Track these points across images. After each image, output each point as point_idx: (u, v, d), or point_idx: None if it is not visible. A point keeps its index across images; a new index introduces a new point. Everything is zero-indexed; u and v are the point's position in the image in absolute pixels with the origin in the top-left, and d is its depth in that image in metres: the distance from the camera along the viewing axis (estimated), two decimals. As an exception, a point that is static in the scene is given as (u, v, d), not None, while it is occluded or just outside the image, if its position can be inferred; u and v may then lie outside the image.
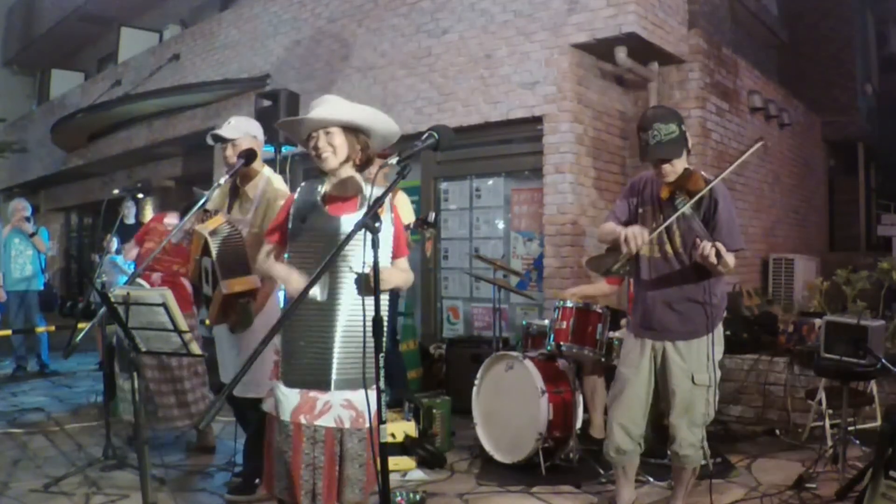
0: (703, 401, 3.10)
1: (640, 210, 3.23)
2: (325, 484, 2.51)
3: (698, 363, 3.10)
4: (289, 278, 2.51)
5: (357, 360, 2.47)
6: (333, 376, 2.49)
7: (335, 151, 2.56)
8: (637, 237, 2.95)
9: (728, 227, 3.04)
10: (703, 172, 3.11)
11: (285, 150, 6.18)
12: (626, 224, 3.27)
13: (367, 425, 2.49)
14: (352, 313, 2.50)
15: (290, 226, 2.57)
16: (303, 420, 2.50)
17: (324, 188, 2.61)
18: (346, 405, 2.52)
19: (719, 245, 2.80)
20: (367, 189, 2.61)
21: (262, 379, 3.01)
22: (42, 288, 7.81)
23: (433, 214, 4.20)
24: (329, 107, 2.59)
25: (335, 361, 2.50)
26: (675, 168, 3.06)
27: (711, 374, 3.10)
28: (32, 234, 7.59)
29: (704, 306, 3.08)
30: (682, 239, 3.10)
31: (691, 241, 3.06)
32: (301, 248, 2.56)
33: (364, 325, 2.24)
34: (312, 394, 2.50)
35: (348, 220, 2.51)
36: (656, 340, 3.18)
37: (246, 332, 3.40)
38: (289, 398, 2.51)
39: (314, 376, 2.50)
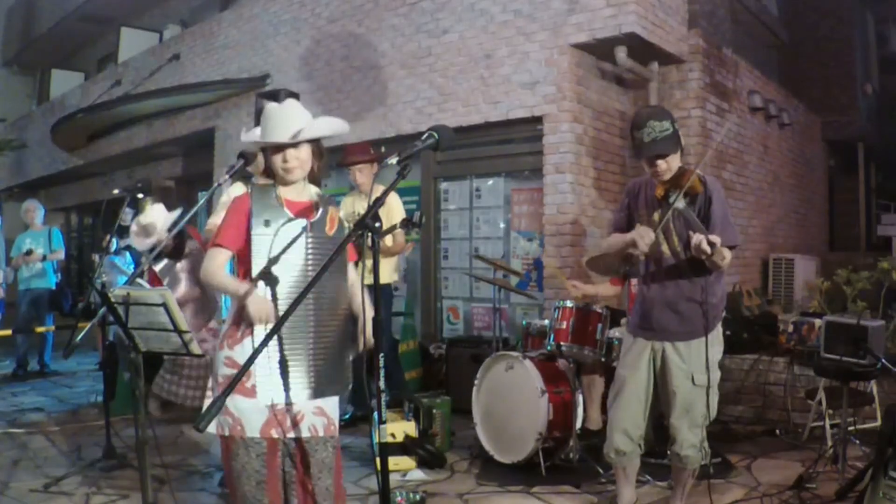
0: (703, 401, 3.09)
1: (637, 214, 3.23)
2: (300, 498, 2.48)
3: (698, 364, 3.09)
4: (238, 291, 2.42)
5: (331, 366, 2.52)
6: (313, 384, 2.48)
7: (302, 165, 2.52)
8: (644, 236, 2.98)
9: (722, 223, 3.03)
10: (698, 170, 3.11)
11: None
12: (624, 232, 3.29)
13: (337, 433, 2.52)
14: (324, 319, 2.52)
15: (254, 229, 2.46)
16: (274, 434, 2.42)
17: (278, 192, 2.53)
18: (317, 412, 2.49)
19: (713, 237, 2.78)
20: (319, 195, 2.61)
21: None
22: (53, 287, 7.84)
23: (418, 214, 4.14)
24: (302, 120, 2.51)
25: (313, 369, 2.49)
26: (671, 166, 3.06)
27: (711, 374, 3.10)
28: (44, 258, 7.64)
29: (703, 306, 3.07)
30: (679, 238, 3.10)
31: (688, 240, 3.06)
32: (266, 253, 2.45)
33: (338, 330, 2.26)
34: (281, 406, 2.43)
35: (312, 225, 2.52)
36: (655, 341, 3.17)
37: None
38: (255, 414, 2.41)
39: (294, 388, 2.44)
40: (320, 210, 2.58)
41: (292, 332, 2.46)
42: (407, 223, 4.23)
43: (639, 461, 3.35)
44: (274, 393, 2.41)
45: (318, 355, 2.50)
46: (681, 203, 2.96)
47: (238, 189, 3.55)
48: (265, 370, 2.41)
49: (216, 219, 3.53)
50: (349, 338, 2.62)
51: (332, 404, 2.55)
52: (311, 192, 2.61)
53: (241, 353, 2.41)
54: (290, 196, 2.55)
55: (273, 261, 2.22)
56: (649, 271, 3.19)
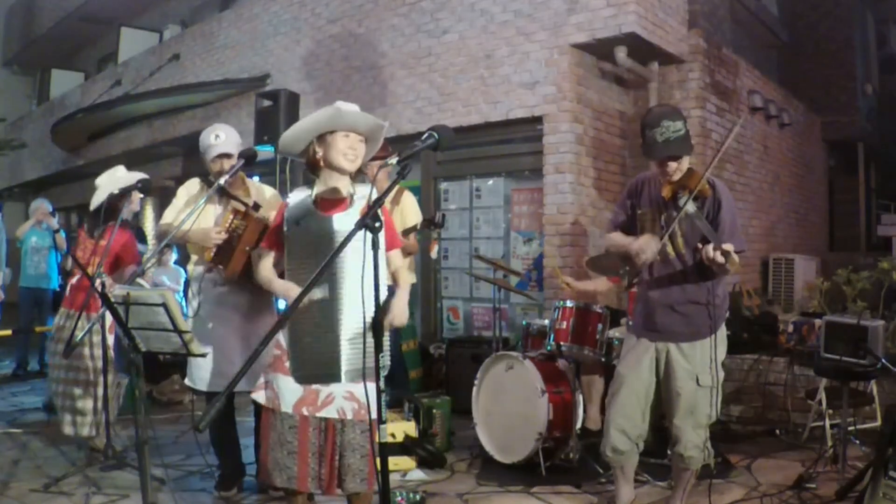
0: (707, 401, 3.09)
1: (640, 211, 3.21)
2: (326, 472, 2.67)
3: (702, 364, 3.08)
4: (288, 293, 2.69)
5: (362, 352, 2.59)
6: (343, 368, 2.65)
7: (357, 157, 2.75)
8: (650, 245, 3.01)
9: (731, 229, 3.03)
10: (707, 173, 3.09)
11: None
12: (626, 229, 3.27)
13: (369, 418, 2.62)
14: (353, 308, 2.63)
15: (285, 229, 2.72)
16: (305, 411, 2.65)
17: (315, 192, 2.77)
18: (348, 397, 2.66)
19: (727, 246, 2.76)
20: (355, 189, 2.78)
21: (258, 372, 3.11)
22: (57, 288, 7.84)
23: (441, 215, 4.18)
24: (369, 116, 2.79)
25: (343, 355, 2.65)
26: (681, 166, 3.05)
27: (715, 375, 3.10)
28: (57, 231, 7.66)
29: (707, 307, 3.07)
30: (684, 240, 3.09)
31: (694, 242, 3.04)
32: (297, 249, 2.72)
33: (364, 320, 2.35)
34: (315, 386, 2.66)
35: (339, 219, 2.70)
36: (659, 342, 3.16)
37: (250, 331, 3.45)
38: (292, 391, 2.66)
39: (323, 370, 2.65)
40: (354, 204, 2.74)
41: (322, 319, 2.64)
42: (429, 223, 4.24)
43: (637, 460, 3.35)
44: (305, 374, 2.66)
45: (348, 342, 2.65)
46: (691, 207, 2.95)
47: (193, 185, 3.63)
48: (295, 354, 2.67)
49: (170, 213, 3.60)
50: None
51: (362, 390, 2.57)
52: (345, 188, 2.77)
53: (282, 335, 2.70)
54: (327, 194, 2.76)
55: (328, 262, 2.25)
56: (653, 273, 3.18)
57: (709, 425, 3.16)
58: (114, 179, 4.16)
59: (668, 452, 3.26)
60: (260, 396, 2.75)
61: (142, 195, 4.28)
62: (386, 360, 2.38)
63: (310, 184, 2.83)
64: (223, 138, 3.59)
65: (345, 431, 2.66)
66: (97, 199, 4.08)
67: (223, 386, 3.33)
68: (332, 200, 2.75)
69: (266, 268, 2.82)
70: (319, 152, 2.72)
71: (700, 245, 2.90)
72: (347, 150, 2.70)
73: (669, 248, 3.11)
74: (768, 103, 8.00)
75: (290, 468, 2.63)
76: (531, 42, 6.15)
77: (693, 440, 3.11)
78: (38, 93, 17.70)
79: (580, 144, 6.04)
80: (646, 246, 3.02)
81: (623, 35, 5.72)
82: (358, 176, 2.86)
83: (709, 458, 3.19)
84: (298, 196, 2.78)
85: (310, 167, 2.80)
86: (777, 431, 4.89)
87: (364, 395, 2.60)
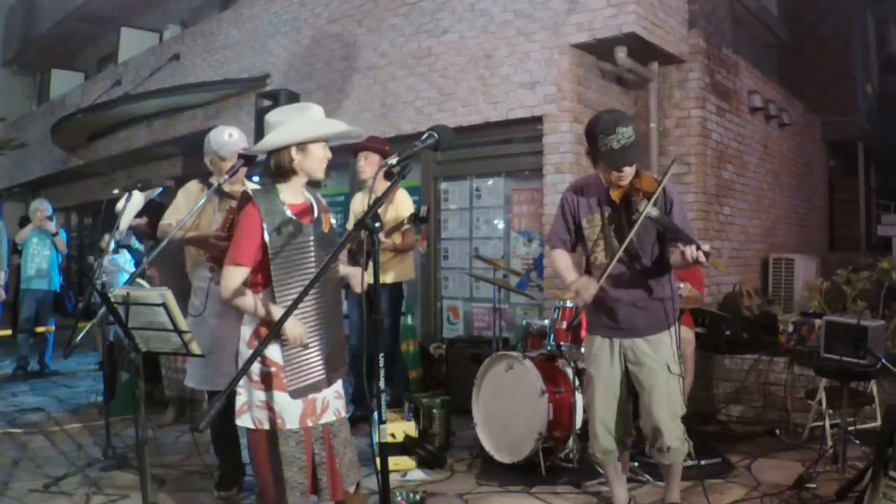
0: (678, 390, 3.17)
1: (585, 219, 3.21)
2: (328, 478, 2.66)
3: (668, 354, 3.16)
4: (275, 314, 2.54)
5: (337, 351, 2.74)
6: (329, 373, 2.69)
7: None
8: (588, 288, 3.06)
9: (683, 224, 3.09)
10: (648, 172, 3.15)
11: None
12: (571, 243, 3.30)
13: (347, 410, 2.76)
14: (328, 311, 2.70)
15: (268, 241, 2.55)
16: (309, 423, 2.63)
17: (283, 197, 2.65)
18: (337, 396, 2.72)
19: (705, 246, 2.81)
20: (311, 195, 2.75)
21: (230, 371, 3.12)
22: (57, 289, 7.83)
23: (425, 209, 4.15)
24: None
25: (328, 359, 2.69)
26: (631, 170, 3.08)
27: (679, 364, 3.18)
28: (55, 234, 7.67)
29: (664, 301, 3.15)
30: (638, 241, 3.11)
31: (648, 241, 3.11)
32: (284, 261, 2.58)
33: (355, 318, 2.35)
34: (311, 395, 2.63)
35: (313, 227, 2.68)
36: (624, 339, 3.20)
37: (218, 329, 3.43)
38: (293, 406, 2.60)
39: (318, 377, 2.65)
40: (316, 209, 2.73)
41: (310, 329, 2.63)
42: (414, 218, 4.22)
43: (627, 456, 3.44)
44: (304, 385, 2.61)
45: (329, 345, 2.70)
46: (654, 211, 2.98)
47: (192, 187, 3.63)
48: (292, 366, 2.60)
49: (172, 215, 3.57)
50: (342, 319, 2.88)
51: (342, 384, 2.79)
52: (304, 192, 2.75)
53: (273, 349, 2.59)
54: (290, 199, 2.68)
55: (323, 270, 2.23)
56: (612, 272, 3.17)
57: (682, 416, 3.20)
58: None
59: (652, 450, 3.25)
60: (246, 420, 2.62)
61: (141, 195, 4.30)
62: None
63: (269, 188, 2.68)
64: (237, 136, 3.63)
65: (340, 431, 2.70)
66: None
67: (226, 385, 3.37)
68: (300, 206, 2.68)
69: (241, 285, 2.57)
70: (297, 159, 2.61)
71: (681, 246, 2.89)
72: (324, 160, 2.68)
73: (623, 254, 3.11)
74: (768, 103, 8.01)
75: (301, 483, 2.60)
76: (531, 42, 6.15)
77: (674, 431, 3.16)
78: (38, 93, 17.70)
79: (580, 144, 6.02)
80: (583, 289, 3.07)
81: (623, 35, 5.72)
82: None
83: (690, 449, 3.24)
84: (268, 202, 2.60)
85: (279, 173, 2.64)
86: (777, 431, 4.89)
87: (343, 389, 2.78)
